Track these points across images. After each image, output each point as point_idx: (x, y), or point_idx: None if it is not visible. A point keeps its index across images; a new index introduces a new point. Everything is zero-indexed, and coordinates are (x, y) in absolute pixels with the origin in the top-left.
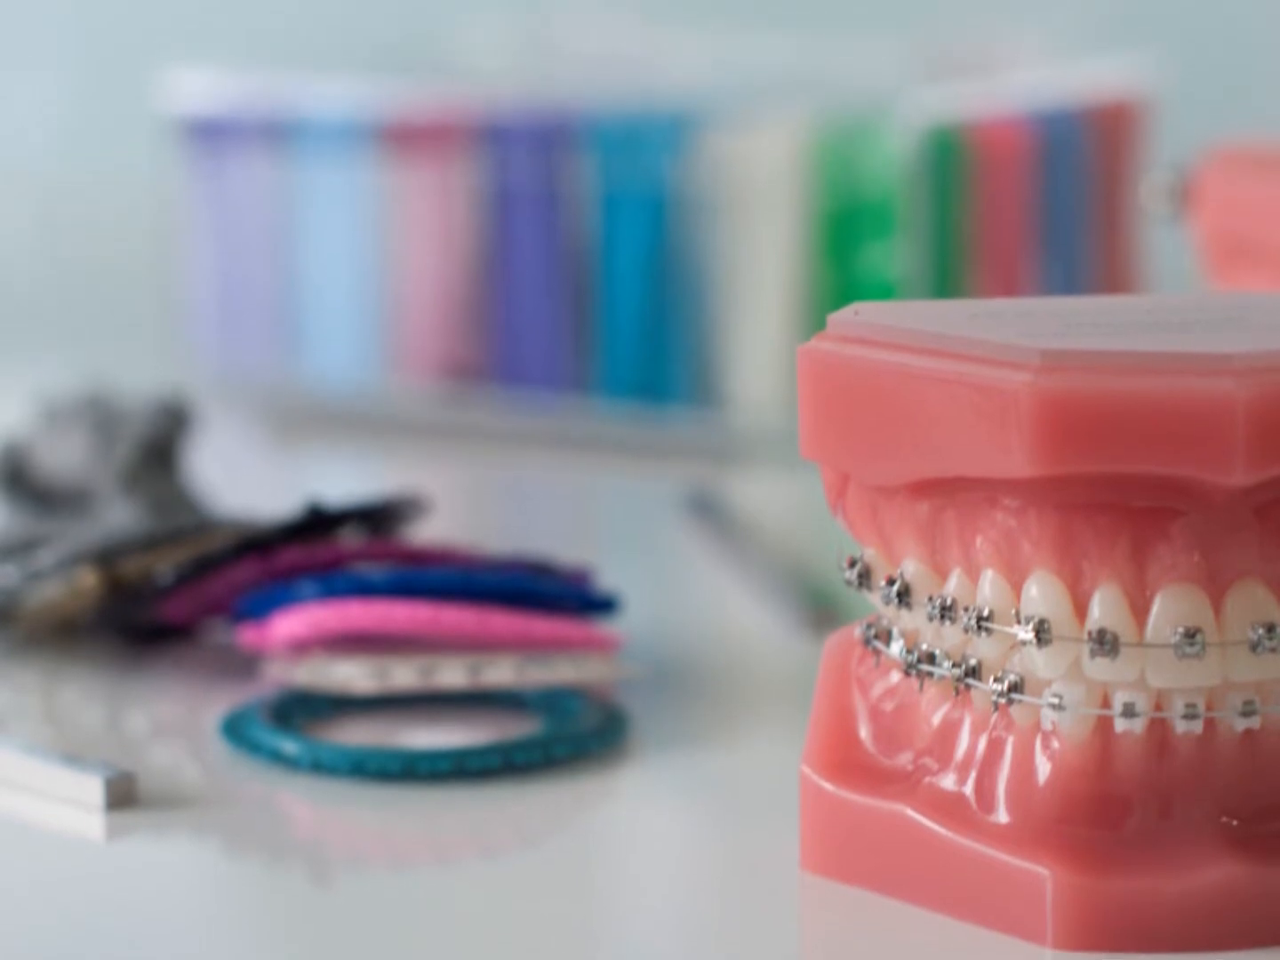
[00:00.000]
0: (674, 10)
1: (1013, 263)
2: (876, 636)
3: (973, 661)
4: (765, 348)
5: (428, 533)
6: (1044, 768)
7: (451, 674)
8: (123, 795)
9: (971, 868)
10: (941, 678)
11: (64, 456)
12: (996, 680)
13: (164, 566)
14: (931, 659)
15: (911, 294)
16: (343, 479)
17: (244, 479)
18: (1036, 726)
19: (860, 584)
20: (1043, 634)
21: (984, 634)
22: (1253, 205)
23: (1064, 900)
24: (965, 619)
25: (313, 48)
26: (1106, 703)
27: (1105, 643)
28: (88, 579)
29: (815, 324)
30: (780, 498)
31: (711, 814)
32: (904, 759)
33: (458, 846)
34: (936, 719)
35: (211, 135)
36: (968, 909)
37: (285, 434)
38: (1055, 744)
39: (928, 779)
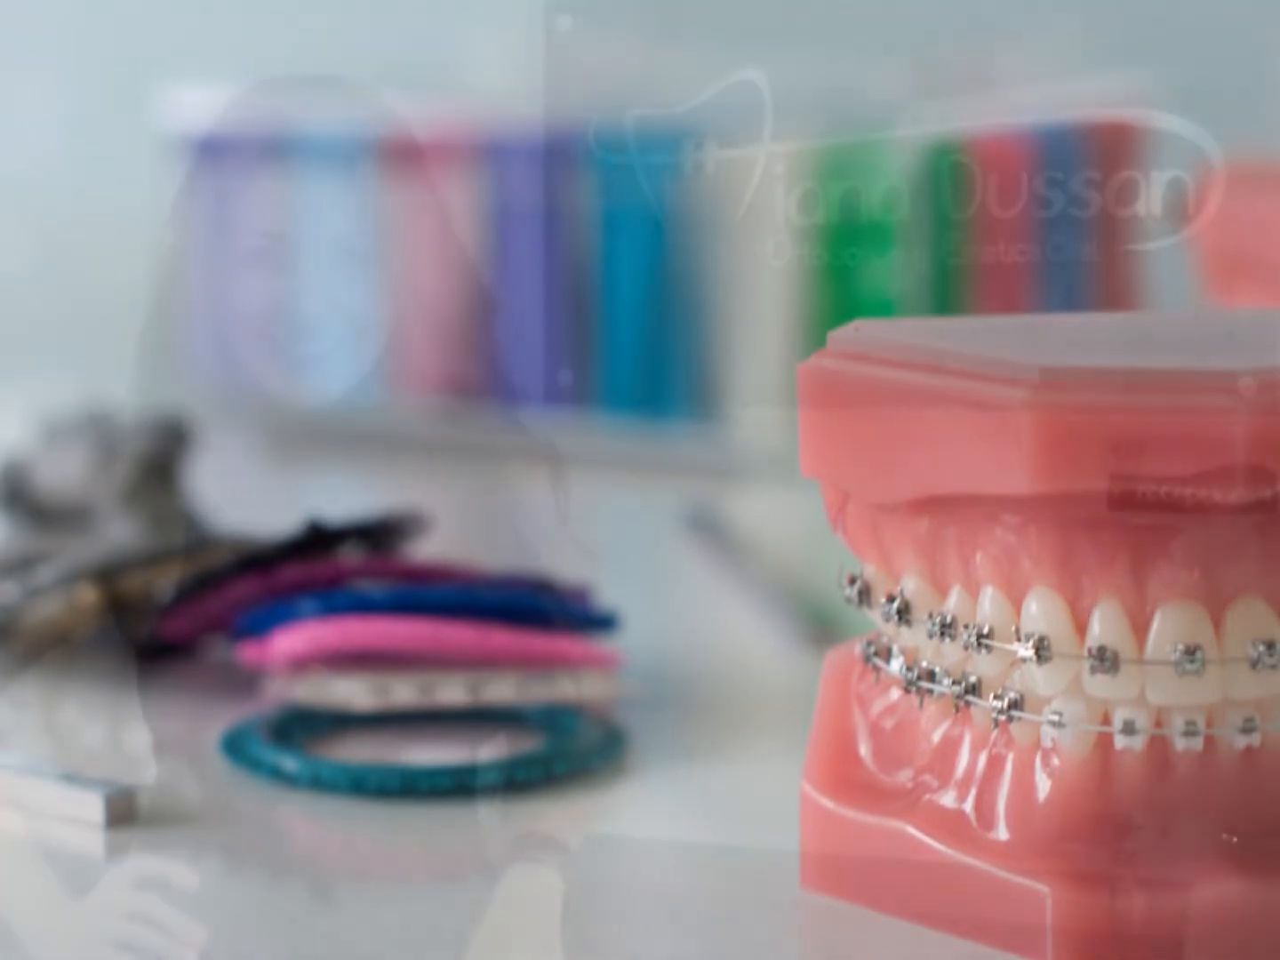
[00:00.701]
0: (674, 27)
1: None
2: (876, 653)
3: (973, 678)
4: (765, 365)
5: (428, 550)
6: (1044, 785)
7: (451, 691)
8: (123, 812)
9: (971, 885)
10: (941, 695)
11: (64, 473)
12: (996, 697)
13: (164, 583)
14: (931, 676)
15: (912, 311)
16: (342, 496)
17: (243, 496)
18: (1036, 744)
19: (860, 601)
20: (1043, 651)
21: (984, 651)
22: (1253, 222)
23: (1064, 917)
24: (965, 636)
25: (313, 65)
26: (1106, 720)
27: (1105, 660)
28: (88, 596)
29: (815, 341)
30: (780, 514)
31: (711, 831)
32: (904, 776)
33: (457, 863)
34: (936, 736)
35: (212, 152)
36: (968, 926)
37: (285, 451)
38: (1055, 761)
39: (928, 796)
